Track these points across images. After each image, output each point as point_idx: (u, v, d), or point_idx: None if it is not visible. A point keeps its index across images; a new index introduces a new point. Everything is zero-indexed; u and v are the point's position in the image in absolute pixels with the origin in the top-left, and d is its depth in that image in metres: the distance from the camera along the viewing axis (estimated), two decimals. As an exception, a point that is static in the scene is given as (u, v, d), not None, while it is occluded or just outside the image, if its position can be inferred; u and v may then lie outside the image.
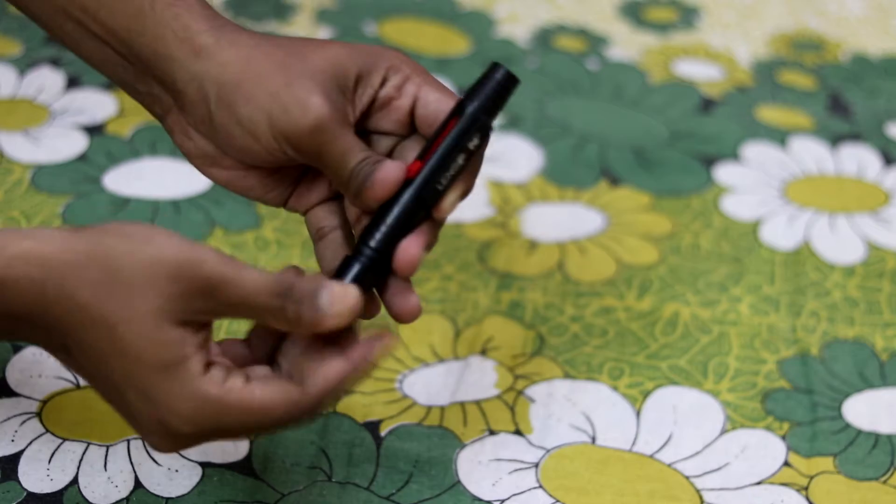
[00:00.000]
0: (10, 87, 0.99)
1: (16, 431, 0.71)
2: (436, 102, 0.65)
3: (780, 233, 0.92)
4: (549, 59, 1.11)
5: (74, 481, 0.68)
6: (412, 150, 0.66)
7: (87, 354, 0.58)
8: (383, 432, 0.73)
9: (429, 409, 0.75)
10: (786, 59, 1.14)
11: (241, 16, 1.11)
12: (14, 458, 0.69)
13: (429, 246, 0.64)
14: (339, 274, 0.62)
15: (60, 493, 0.68)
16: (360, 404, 0.74)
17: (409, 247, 0.63)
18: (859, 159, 1.00)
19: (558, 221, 0.91)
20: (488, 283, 0.85)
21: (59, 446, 0.70)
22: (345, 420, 0.73)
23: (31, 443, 0.70)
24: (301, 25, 1.11)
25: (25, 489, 0.68)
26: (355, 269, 0.62)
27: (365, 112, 0.65)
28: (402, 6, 1.15)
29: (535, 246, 0.89)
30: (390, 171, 0.63)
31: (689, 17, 1.19)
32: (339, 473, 0.70)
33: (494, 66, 0.64)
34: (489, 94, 0.64)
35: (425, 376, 0.77)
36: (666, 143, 1.00)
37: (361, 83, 0.65)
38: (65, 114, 0.96)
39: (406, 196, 0.63)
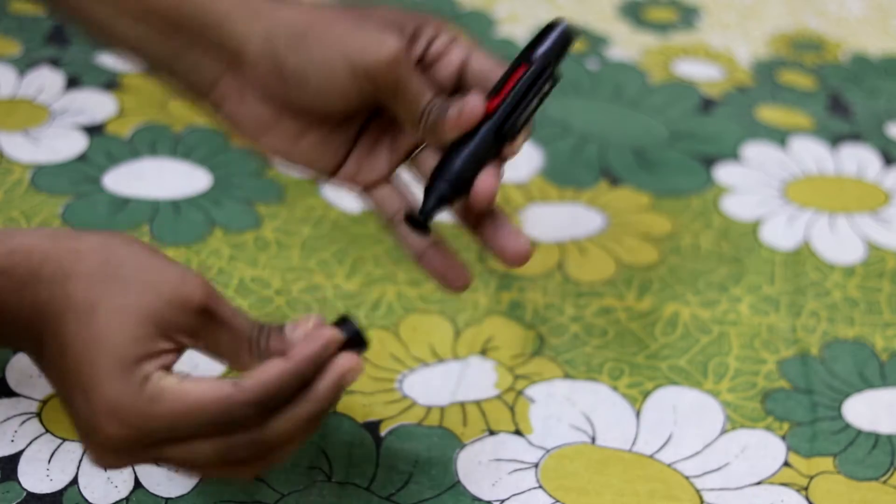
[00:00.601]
0: (9, 88, 0.99)
1: (16, 431, 0.70)
2: (485, 57, 0.67)
3: (780, 233, 0.92)
4: (549, 59, 1.11)
5: (74, 481, 0.68)
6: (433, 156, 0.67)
7: (52, 348, 0.58)
8: (383, 432, 0.73)
9: (429, 409, 0.75)
10: (786, 59, 1.14)
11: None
12: (14, 458, 0.69)
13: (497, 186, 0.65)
14: (425, 198, 0.64)
15: (60, 493, 0.68)
16: (360, 404, 0.74)
17: (488, 178, 0.65)
18: (859, 159, 1.00)
19: (558, 221, 0.91)
20: (488, 283, 0.85)
21: (58, 446, 0.70)
22: (344, 420, 0.73)
23: (30, 443, 0.70)
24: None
25: (25, 489, 0.68)
26: (438, 189, 0.64)
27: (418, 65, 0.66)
28: (402, 6, 1.15)
29: (535, 246, 0.89)
30: (476, 105, 0.64)
31: (689, 17, 1.19)
32: (339, 473, 0.70)
33: (554, 22, 0.67)
34: (553, 46, 0.66)
35: (425, 376, 0.77)
36: (666, 143, 1.00)
37: (416, 38, 0.66)
38: (64, 114, 0.96)
39: (485, 128, 0.65)
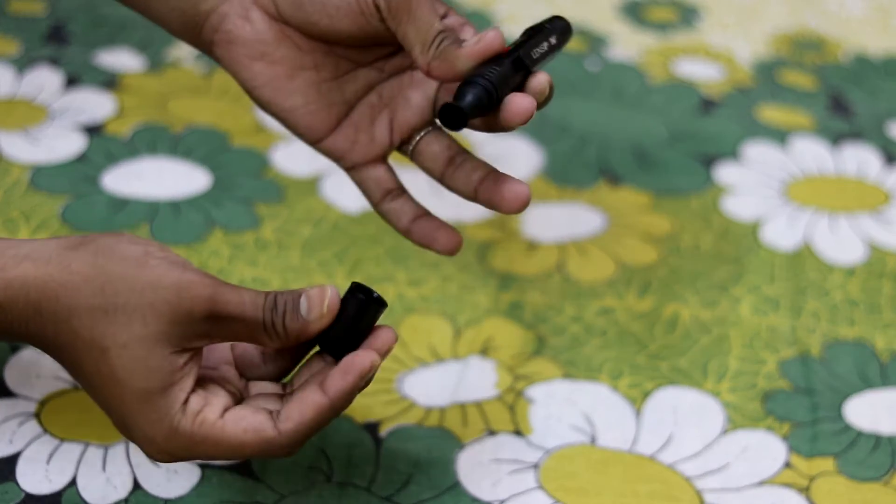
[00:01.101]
0: (8, 87, 0.99)
1: (14, 432, 0.70)
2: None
3: (781, 233, 0.92)
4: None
5: (73, 482, 0.68)
6: (436, 140, 0.68)
7: (77, 373, 0.59)
8: (383, 433, 0.73)
9: (428, 409, 0.75)
10: (786, 58, 1.14)
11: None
12: (12, 459, 0.69)
13: (536, 106, 0.63)
14: (460, 92, 0.62)
15: (59, 494, 0.67)
16: (360, 405, 0.74)
17: (522, 97, 0.63)
18: (860, 159, 1.00)
19: (558, 221, 0.91)
20: (488, 284, 0.85)
21: (57, 447, 0.70)
22: (344, 421, 0.73)
23: (29, 444, 0.70)
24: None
25: (24, 490, 0.67)
26: (478, 84, 0.62)
27: None
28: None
29: (535, 246, 0.89)
30: (495, 33, 0.62)
31: (689, 17, 1.19)
32: (339, 474, 0.70)
33: (555, 18, 0.69)
34: (553, 29, 0.68)
35: (425, 377, 0.77)
36: (666, 143, 1.00)
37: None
38: (64, 114, 0.96)
39: (508, 57, 0.63)
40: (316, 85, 0.67)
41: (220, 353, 0.63)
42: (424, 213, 0.70)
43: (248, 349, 0.63)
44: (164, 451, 0.59)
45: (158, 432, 0.58)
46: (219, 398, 0.59)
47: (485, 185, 0.67)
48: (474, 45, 0.62)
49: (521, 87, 0.64)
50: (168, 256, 0.59)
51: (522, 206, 0.65)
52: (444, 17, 0.65)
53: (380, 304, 0.61)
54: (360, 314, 0.61)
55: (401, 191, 0.70)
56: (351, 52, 0.67)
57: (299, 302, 0.60)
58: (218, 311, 0.58)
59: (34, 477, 0.68)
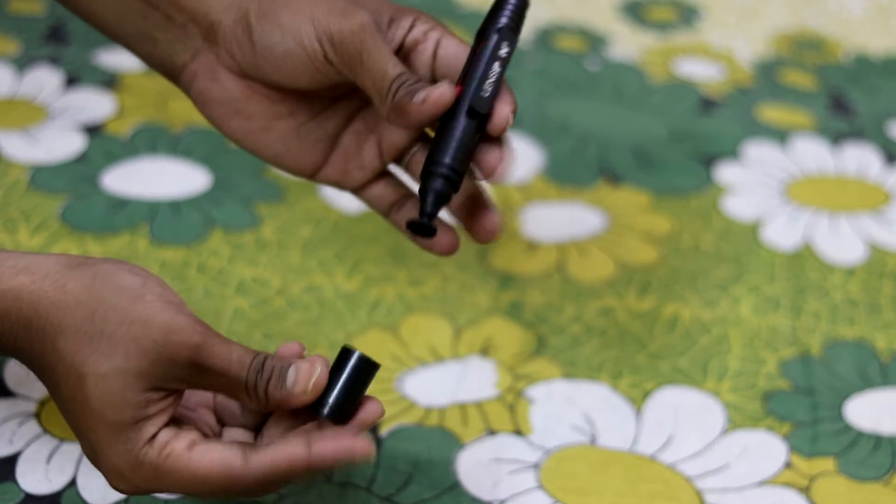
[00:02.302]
0: (8, 87, 0.99)
1: (14, 432, 0.70)
2: (455, 47, 0.66)
3: (781, 233, 0.92)
4: (549, 59, 1.11)
5: (73, 482, 0.68)
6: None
7: (56, 394, 0.59)
8: (383, 433, 0.73)
9: (428, 409, 0.75)
10: (786, 58, 1.14)
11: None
12: (12, 460, 0.69)
13: (507, 157, 0.65)
14: (422, 200, 0.63)
15: (59, 494, 0.67)
16: (360, 405, 0.74)
17: (492, 155, 0.64)
18: (860, 159, 1.00)
19: (558, 221, 0.91)
20: (488, 283, 0.85)
21: (57, 447, 0.70)
22: (344, 421, 0.73)
23: (29, 444, 0.70)
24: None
25: (23, 490, 0.67)
26: (434, 189, 0.63)
27: (396, 54, 0.65)
28: (402, 6, 1.15)
29: (535, 246, 0.89)
30: (443, 90, 0.62)
31: (689, 17, 1.19)
32: (339, 474, 0.70)
33: None
34: (507, 13, 0.66)
35: (425, 376, 0.77)
36: (666, 143, 1.00)
37: (393, 25, 0.65)
38: (63, 113, 0.96)
39: (459, 111, 0.63)
40: (295, 130, 0.67)
41: (200, 396, 0.63)
42: None
43: (227, 403, 0.63)
44: (129, 482, 0.58)
45: (125, 463, 0.58)
46: (189, 434, 0.58)
47: (464, 208, 0.67)
48: (420, 104, 0.62)
49: (485, 125, 0.64)
50: (165, 294, 0.58)
51: (492, 239, 0.66)
52: (408, 32, 0.66)
53: (374, 367, 0.61)
54: (355, 378, 0.61)
55: (405, 198, 0.69)
56: (325, 91, 0.67)
57: (287, 372, 0.59)
58: (202, 362, 0.58)
59: (34, 477, 0.68)
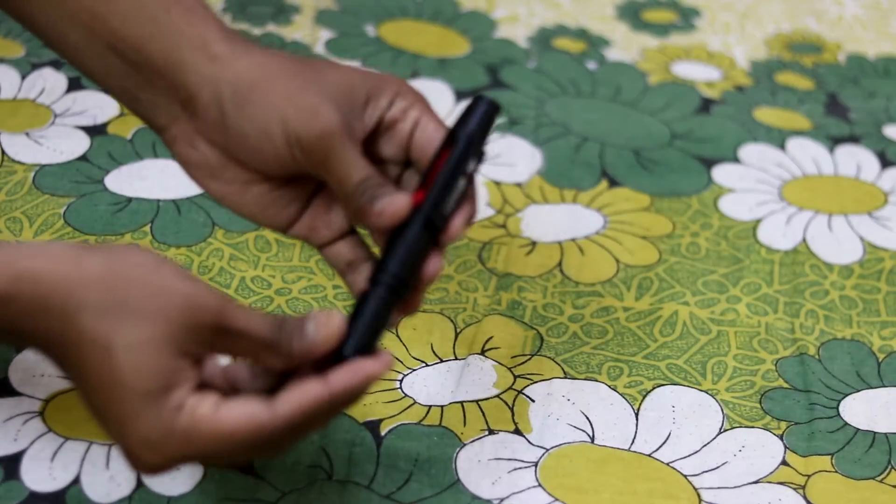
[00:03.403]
0: (12, 89, 0.99)
1: (18, 431, 0.71)
2: (433, 130, 0.66)
3: (779, 233, 0.92)
4: (549, 59, 1.11)
5: (77, 480, 0.68)
6: (415, 181, 0.67)
7: (77, 375, 0.59)
8: (383, 431, 0.73)
9: (429, 408, 0.75)
10: (784, 60, 1.14)
11: (241, 16, 1.11)
12: (16, 458, 0.69)
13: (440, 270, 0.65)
14: (359, 305, 0.63)
15: (63, 491, 0.68)
16: (361, 404, 0.74)
17: (432, 266, 0.64)
18: (857, 160, 1.00)
19: (558, 222, 0.91)
20: (488, 283, 0.85)
21: (61, 445, 0.70)
22: (345, 419, 0.73)
23: (33, 442, 0.70)
24: (301, 26, 1.11)
25: (28, 488, 0.68)
26: (375, 300, 0.63)
27: (372, 134, 0.66)
28: (402, 7, 1.15)
29: (535, 246, 0.89)
30: (400, 203, 0.63)
31: (688, 18, 1.19)
32: (340, 472, 0.71)
33: (478, 98, 0.67)
34: (477, 123, 0.66)
35: (425, 376, 0.78)
36: (665, 144, 1.01)
37: (370, 104, 0.65)
38: (67, 115, 0.96)
39: (416, 223, 0.64)
40: (268, 193, 0.67)
41: (210, 368, 0.63)
42: None
43: (238, 366, 0.63)
44: (159, 451, 0.58)
45: (157, 432, 0.58)
46: (212, 395, 0.59)
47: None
48: (378, 216, 0.63)
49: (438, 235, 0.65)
50: (179, 269, 0.59)
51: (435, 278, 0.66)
52: (387, 109, 0.66)
53: (399, 296, 0.63)
54: (382, 311, 0.63)
55: (361, 260, 0.69)
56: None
57: (305, 324, 0.60)
58: (226, 324, 0.58)
59: (38, 475, 0.68)
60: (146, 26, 0.65)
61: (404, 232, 0.64)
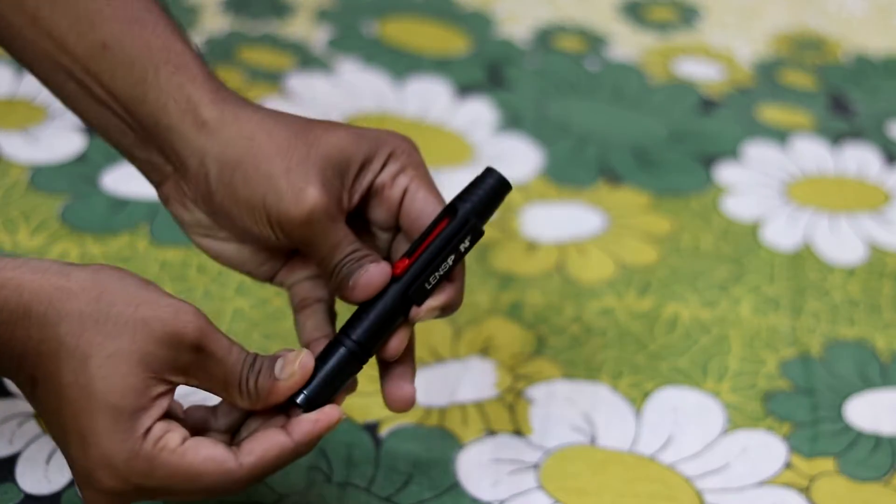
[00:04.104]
0: (8, 87, 0.99)
1: (13, 433, 0.70)
2: (422, 200, 0.65)
3: (781, 233, 0.92)
4: (549, 59, 1.11)
5: (72, 483, 0.68)
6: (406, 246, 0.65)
7: (48, 390, 0.58)
8: (383, 433, 0.73)
9: (428, 409, 0.75)
10: (786, 58, 1.14)
11: (240, 15, 1.11)
12: (12, 460, 0.69)
13: (407, 344, 0.65)
14: (320, 358, 0.62)
15: (58, 494, 0.68)
16: (360, 405, 0.74)
17: (396, 341, 0.64)
18: (860, 159, 1.00)
19: (558, 222, 0.91)
20: (488, 284, 0.85)
21: (56, 448, 0.70)
22: (344, 421, 0.73)
23: (28, 444, 0.70)
24: (300, 25, 1.11)
25: (23, 491, 0.67)
26: (335, 358, 0.62)
27: (364, 197, 0.65)
28: (402, 6, 1.15)
29: (535, 246, 0.89)
30: (374, 276, 0.63)
31: (689, 17, 1.19)
32: (339, 474, 0.70)
33: (488, 171, 0.65)
34: (482, 198, 0.64)
35: (425, 377, 0.77)
36: (666, 143, 1.00)
37: (364, 169, 0.65)
38: (63, 114, 0.96)
39: (390, 295, 0.63)
40: (257, 253, 0.67)
41: (173, 404, 0.61)
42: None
43: (199, 407, 0.62)
44: (120, 476, 0.57)
45: (119, 454, 0.57)
46: (180, 429, 0.58)
47: (385, 372, 0.66)
48: (351, 290, 0.63)
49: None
50: (166, 292, 0.59)
51: (405, 409, 0.66)
52: (379, 172, 0.65)
53: (357, 365, 0.62)
54: (340, 371, 0.62)
55: (316, 301, 0.68)
56: None
57: (275, 362, 0.60)
58: (206, 345, 0.58)
59: (33, 477, 0.68)
60: (136, 87, 0.65)
61: (378, 300, 0.63)
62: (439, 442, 0.73)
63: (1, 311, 0.57)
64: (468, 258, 0.83)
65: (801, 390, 0.79)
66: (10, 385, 0.73)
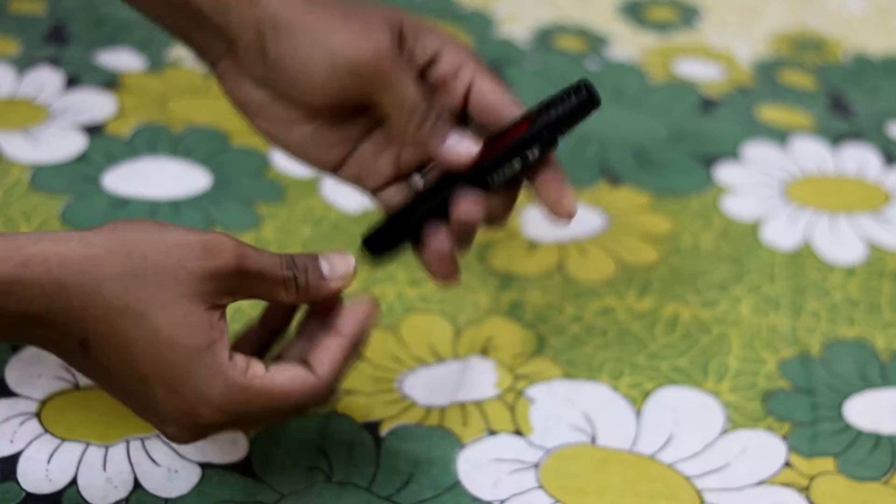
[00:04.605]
0: (9, 87, 0.99)
1: (15, 432, 0.70)
2: (491, 92, 0.67)
3: (781, 233, 0.92)
4: (549, 59, 1.11)
5: (74, 482, 0.68)
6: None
7: (110, 348, 0.58)
8: (383, 433, 0.73)
9: (429, 409, 0.75)
10: (786, 58, 1.14)
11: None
12: (13, 459, 0.69)
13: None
14: (373, 240, 0.67)
15: (60, 493, 0.68)
16: (360, 405, 0.74)
17: (467, 206, 0.66)
18: (860, 159, 1.00)
19: (558, 221, 0.91)
20: (488, 284, 0.85)
21: (58, 447, 0.70)
22: (345, 420, 0.73)
23: (30, 443, 0.70)
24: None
25: (25, 490, 0.67)
26: (383, 240, 0.67)
27: (428, 79, 0.67)
28: (401, 6, 1.15)
29: (535, 246, 0.89)
30: (468, 152, 0.65)
31: (689, 17, 1.19)
32: (339, 474, 0.70)
33: (582, 84, 0.65)
34: (564, 113, 0.65)
35: (425, 376, 0.77)
36: (666, 143, 1.00)
37: (419, 43, 0.66)
38: (64, 113, 0.96)
39: (458, 183, 0.65)
40: (314, 134, 0.68)
41: None
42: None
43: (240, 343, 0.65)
44: (219, 408, 0.59)
45: (215, 389, 0.58)
46: (253, 358, 0.61)
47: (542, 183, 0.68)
48: (443, 156, 0.65)
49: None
50: (188, 228, 0.60)
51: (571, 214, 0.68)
52: (434, 58, 0.67)
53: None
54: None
55: None
56: (343, 106, 0.68)
57: (319, 263, 0.62)
58: (244, 266, 0.59)
59: (35, 476, 0.68)
60: None
61: (449, 182, 0.64)
62: (440, 441, 0.73)
63: (32, 286, 0.57)
64: (469, 257, 0.83)
65: (800, 390, 0.79)
66: (12, 384, 0.73)
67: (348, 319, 0.62)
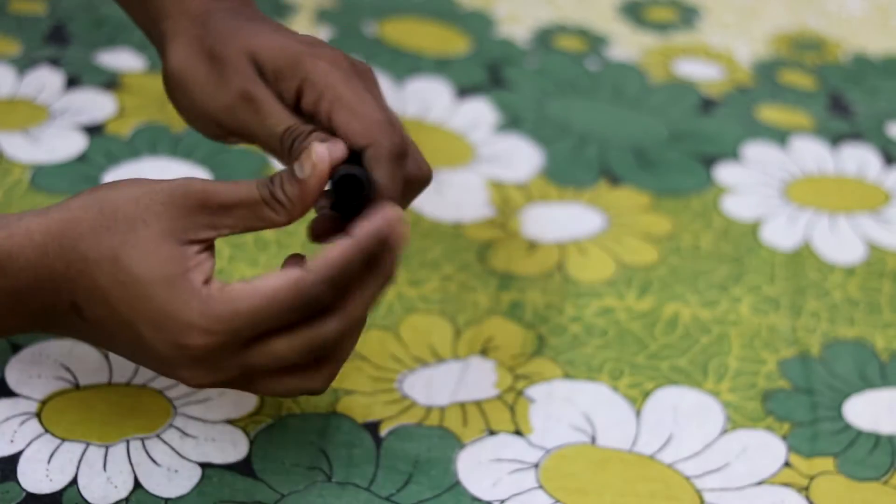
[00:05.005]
0: (9, 87, 0.99)
1: (15, 432, 0.70)
2: (346, 122, 0.65)
3: (781, 233, 0.92)
4: (549, 59, 1.11)
5: (74, 482, 0.68)
6: None
7: (95, 301, 0.60)
8: (383, 433, 0.73)
9: (429, 409, 0.75)
10: (786, 59, 1.14)
11: (240, 16, 1.11)
12: (13, 459, 0.69)
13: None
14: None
15: (60, 493, 0.68)
16: (360, 405, 0.74)
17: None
18: (860, 159, 1.00)
19: (558, 221, 0.91)
20: (488, 284, 0.85)
21: (58, 447, 0.70)
22: (344, 420, 0.73)
23: (30, 443, 0.70)
24: (301, 25, 1.11)
25: (25, 489, 0.68)
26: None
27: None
28: (402, 6, 1.15)
29: (535, 246, 0.89)
30: (330, 151, 0.63)
31: (689, 17, 1.19)
32: (339, 474, 0.70)
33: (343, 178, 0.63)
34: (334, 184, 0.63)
35: (425, 376, 0.77)
36: (666, 143, 1.00)
37: (283, 80, 0.67)
38: (64, 114, 0.96)
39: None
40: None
41: None
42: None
43: None
44: (205, 329, 0.58)
45: (193, 312, 0.58)
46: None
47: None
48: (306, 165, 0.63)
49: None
50: (160, 179, 0.61)
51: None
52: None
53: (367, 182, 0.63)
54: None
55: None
56: None
57: (293, 168, 0.60)
58: (213, 201, 0.60)
59: (35, 476, 0.68)
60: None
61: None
62: (440, 441, 0.73)
63: (18, 259, 0.60)
64: (469, 257, 0.82)
65: (800, 390, 0.79)
66: (12, 384, 0.73)
67: (362, 222, 0.59)
